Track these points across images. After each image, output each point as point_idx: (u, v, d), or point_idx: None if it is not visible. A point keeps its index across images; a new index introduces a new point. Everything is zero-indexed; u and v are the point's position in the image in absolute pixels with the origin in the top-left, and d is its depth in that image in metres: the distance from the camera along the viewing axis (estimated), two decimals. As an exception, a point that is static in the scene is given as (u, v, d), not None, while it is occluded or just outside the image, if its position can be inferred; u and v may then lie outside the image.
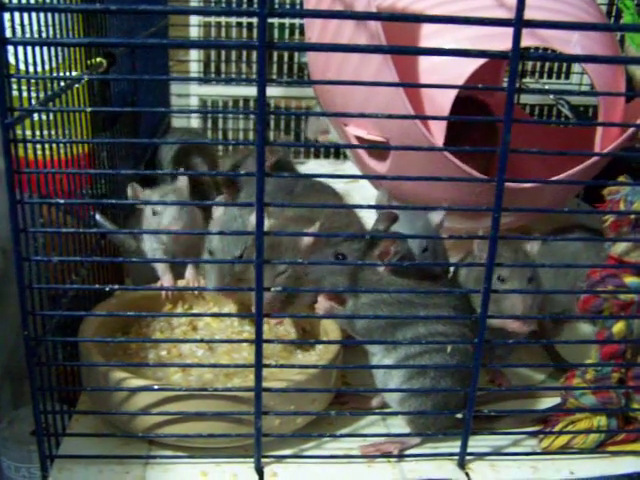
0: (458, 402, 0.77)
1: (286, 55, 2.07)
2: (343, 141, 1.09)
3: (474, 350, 0.74)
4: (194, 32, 1.95)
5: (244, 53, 2.09)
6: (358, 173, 1.11)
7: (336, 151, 2.05)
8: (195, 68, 2.01)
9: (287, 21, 2.00)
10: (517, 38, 0.58)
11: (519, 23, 0.57)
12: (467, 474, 0.74)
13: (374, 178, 1.01)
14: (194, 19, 1.96)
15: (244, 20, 2.02)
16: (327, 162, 1.91)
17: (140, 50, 1.22)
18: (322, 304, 0.79)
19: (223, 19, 2.01)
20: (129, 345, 0.88)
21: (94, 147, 0.95)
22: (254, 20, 1.98)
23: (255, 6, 0.55)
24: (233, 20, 2.02)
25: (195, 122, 2.06)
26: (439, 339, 0.76)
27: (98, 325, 0.86)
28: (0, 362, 1.04)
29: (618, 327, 0.76)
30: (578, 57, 0.74)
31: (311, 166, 1.77)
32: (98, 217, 0.92)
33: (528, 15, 0.57)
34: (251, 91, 2.00)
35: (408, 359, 0.76)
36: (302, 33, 2.01)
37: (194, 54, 2.01)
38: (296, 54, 2.04)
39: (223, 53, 2.07)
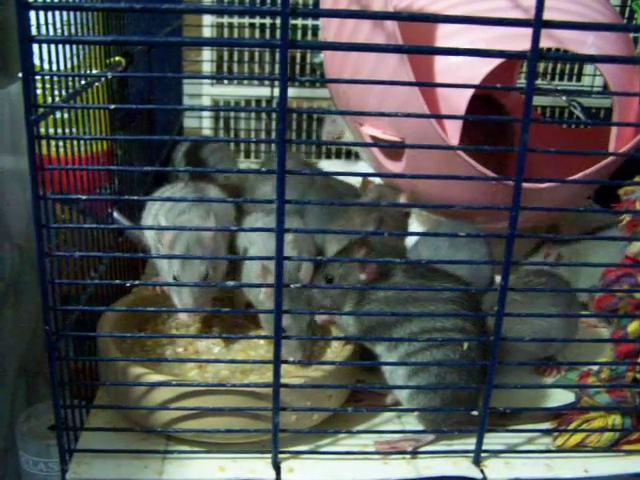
0: (468, 397, 0.78)
1: (298, 56, 2.08)
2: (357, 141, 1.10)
3: (479, 344, 0.75)
4: (207, 32, 1.96)
5: (256, 54, 2.10)
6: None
7: (348, 152, 2.05)
8: (207, 69, 2.02)
9: (300, 22, 2.00)
10: (536, 38, 0.58)
11: (538, 23, 0.58)
12: (482, 471, 0.75)
13: (391, 176, 1.01)
14: (207, 20, 1.97)
15: (257, 21, 2.02)
16: (340, 162, 1.91)
17: (156, 50, 1.23)
18: (320, 317, 0.82)
19: (236, 20, 2.01)
20: (146, 342, 0.89)
21: (113, 146, 0.96)
22: (267, 21, 1.99)
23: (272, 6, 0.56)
24: (246, 21, 2.03)
25: (207, 122, 2.06)
26: (437, 334, 0.76)
27: (115, 322, 0.87)
28: (16, 359, 1.04)
29: (633, 326, 0.76)
30: (595, 57, 0.75)
31: (324, 166, 1.77)
32: (116, 215, 0.93)
33: (545, 16, 0.58)
34: (263, 92, 2.01)
35: (410, 357, 0.77)
36: (315, 35, 2.01)
37: (207, 55, 2.01)
38: (308, 56, 2.05)
39: (236, 54, 2.07)
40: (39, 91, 0.66)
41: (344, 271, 0.79)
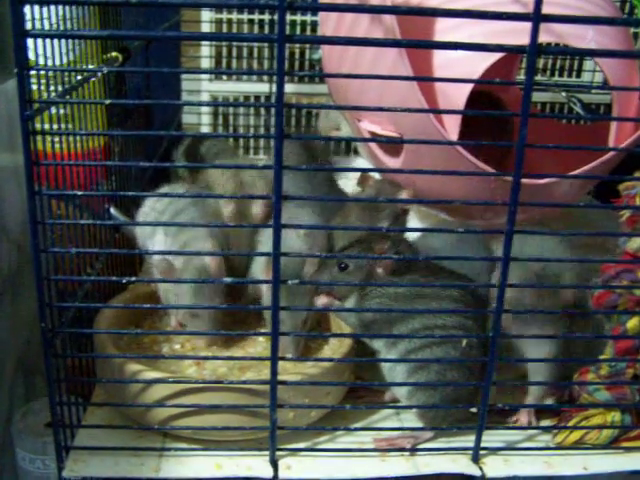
0: (468, 395, 0.78)
1: (297, 52, 2.07)
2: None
3: (481, 342, 0.75)
4: (206, 29, 1.96)
5: (255, 50, 2.09)
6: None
7: (347, 148, 2.05)
8: (206, 65, 2.01)
9: (298, 18, 2.00)
10: (535, 32, 0.58)
11: (537, 17, 0.57)
12: (481, 468, 0.74)
13: (389, 172, 1.01)
14: (206, 16, 1.96)
15: (256, 17, 2.02)
16: (338, 158, 1.91)
17: (154, 46, 1.22)
18: (320, 299, 0.80)
19: (235, 16, 2.01)
20: (142, 339, 0.89)
21: (109, 142, 0.96)
22: (266, 17, 1.99)
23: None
24: (245, 17, 2.02)
25: (205, 118, 2.06)
26: (439, 332, 0.76)
27: (112, 319, 0.86)
28: (13, 355, 1.04)
29: (633, 323, 0.76)
30: (594, 51, 0.74)
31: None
32: (113, 211, 0.93)
33: (545, 11, 0.57)
34: (262, 88, 2.00)
35: (410, 354, 0.77)
36: (314, 31, 2.01)
37: (205, 51, 2.01)
38: (307, 52, 2.04)
39: (234, 50, 2.07)
40: (35, 86, 0.65)
41: (360, 261, 0.79)
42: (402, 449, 0.77)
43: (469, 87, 0.91)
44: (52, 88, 0.71)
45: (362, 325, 0.78)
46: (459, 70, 0.92)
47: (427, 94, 0.89)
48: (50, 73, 0.70)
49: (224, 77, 2.05)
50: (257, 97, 2.04)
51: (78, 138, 0.81)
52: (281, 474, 0.72)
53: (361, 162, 1.55)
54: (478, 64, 0.91)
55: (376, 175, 1.03)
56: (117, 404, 0.78)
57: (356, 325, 0.79)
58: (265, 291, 0.85)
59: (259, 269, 0.87)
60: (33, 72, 0.60)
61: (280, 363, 0.69)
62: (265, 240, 0.91)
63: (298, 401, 0.75)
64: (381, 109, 0.63)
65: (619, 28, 0.95)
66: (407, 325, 0.76)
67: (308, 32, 2.02)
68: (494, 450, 0.77)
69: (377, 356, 0.80)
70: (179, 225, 0.85)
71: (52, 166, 0.69)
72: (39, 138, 0.62)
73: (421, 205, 1.10)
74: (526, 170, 0.63)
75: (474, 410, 0.75)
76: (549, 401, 0.81)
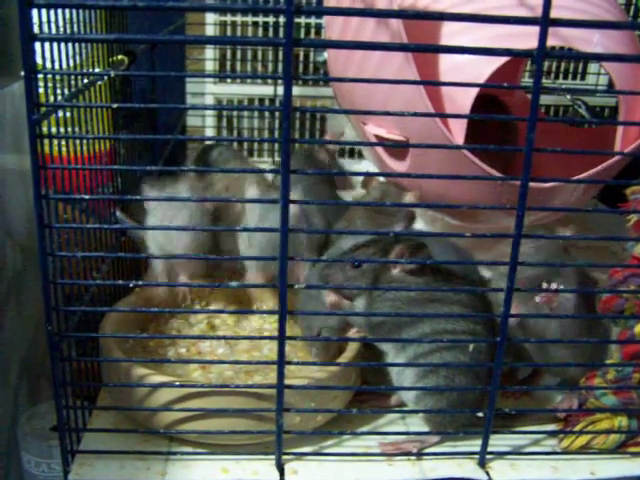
0: (475, 400, 0.77)
1: (302, 54, 2.07)
2: (362, 140, 1.09)
3: (490, 348, 0.75)
4: (210, 31, 1.96)
5: (259, 53, 2.09)
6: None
7: (351, 150, 2.05)
8: (210, 67, 2.01)
9: (303, 20, 2.00)
10: (543, 36, 0.58)
11: (546, 21, 0.57)
12: (487, 473, 0.74)
13: (395, 176, 1.01)
14: (210, 18, 1.96)
15: (260, 19, 2.02)
16: (343, 161, 1.91)
17: (159, 49, 1.22)
18: (330, 297, 0.79)
19: (239, 18, 2.01)
20: (148, 343, 0.88)
21: (115, 144, 0.96)
22: (270, 19, 1.99)
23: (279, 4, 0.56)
24: (249, 19, 2.02)
25: (210, 120, 2.06)
26: (448, 337, 0.75)
27: (117, 323, 0.86)
28: (18, 359, 1.04)
29: (640, 327, 0.76)
30: (602, 56, 0.74)
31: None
32: (118, 214, 0.93)
33: (551, 14, 0.57)
34: (266, 90, 2.00)
35: (419, 358, 0.76)
36: (317, 33, 2.01)
37: (210, 53, 2.01)
38: (311, 54, 2.05)
39: (239, 52, 2.07)
40: (41, 90, 0.65)
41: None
42: (408, 453, 0.77)
43: (475, 91, 0.91)
44: (58, 91, 0.70)
45: (370, 327, 0.78)
46: (465, 74, 0.92)
47: (433, 98, 0.89)
48: (57, 76, 0.69)
49: (228, 79, 2.05)
50: (261, 100, 2.04)
51: (84, 141, 0.81)
52: (287, 478, 0.72)
53: (366, 165, 1.55)
54: (484, 68, 0.91)
55: (380, 177, 1.03)
56: (123, 408, 0.78)
57: (364, 326, 0.79)
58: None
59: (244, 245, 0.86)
60: (40, 76, 0.60)
61: (287, 367, 0.69)
62: (250, 216, 0.89)
63: (304, 405, 0.75)
64: (388, 113, 0.63)
65: (625, 31, 0.94)
66: (417, 329, 0.75)
67: (312, 34, 2.02)
68: (501, 455, 0.77)
69: (384, 359, 0.80)
70: (183, 229, 0.85)
71: (59, 169, 0.69)
72: (46, 141, 0.62)
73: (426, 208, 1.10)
74: (532, 173, 0.63)
75: (480, 414, 0.75)
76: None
